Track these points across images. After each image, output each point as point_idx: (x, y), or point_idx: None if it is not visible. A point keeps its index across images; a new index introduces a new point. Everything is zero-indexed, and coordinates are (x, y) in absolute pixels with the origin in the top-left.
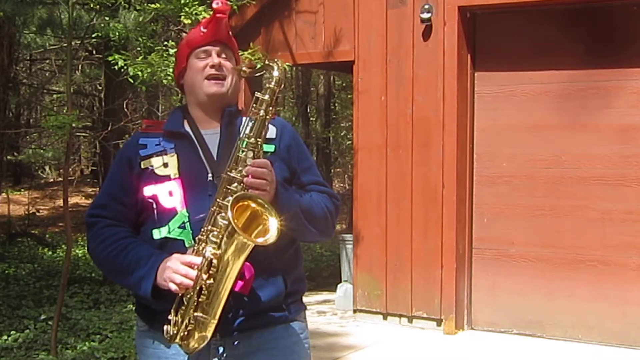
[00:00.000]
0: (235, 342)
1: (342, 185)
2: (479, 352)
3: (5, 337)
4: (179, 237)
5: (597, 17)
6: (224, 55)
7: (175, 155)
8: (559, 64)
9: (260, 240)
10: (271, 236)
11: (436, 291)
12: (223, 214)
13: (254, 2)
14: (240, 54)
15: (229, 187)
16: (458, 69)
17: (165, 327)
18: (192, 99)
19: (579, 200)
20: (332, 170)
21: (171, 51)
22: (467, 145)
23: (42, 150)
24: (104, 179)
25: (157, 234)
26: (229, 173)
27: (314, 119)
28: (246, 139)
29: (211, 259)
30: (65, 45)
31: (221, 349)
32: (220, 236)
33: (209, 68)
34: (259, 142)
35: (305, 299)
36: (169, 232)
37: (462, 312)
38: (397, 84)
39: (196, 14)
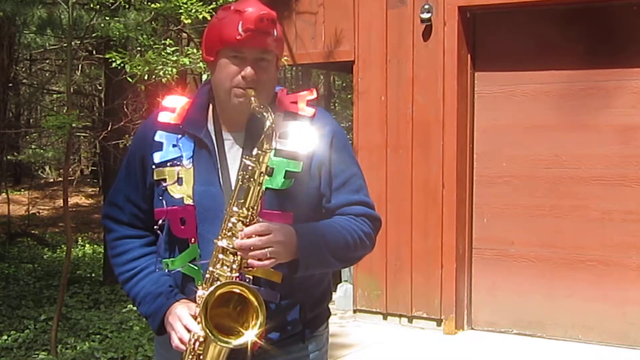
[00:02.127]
0: None
1: None
2: (479, 352)
3: (5, 337)
4: (189, 274)
5: (597, 17)
6: (262, 60)
7: (192, 168)
8: (559, 64)
9: (238, 341)
10: (244, 340)
11: (436, 291)
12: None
13: None
14: None
15: (222, 256)
16: (458, 69)
17: None
18: (218, 98)
19: (579, 200)
20: None
21: (169, 49)
22: (467, 145)
23: (42, 150)
24: (104, 179)
25: (168, 266)
26: (218, 243)
27: None
28: (236, 208)
29: (196, 340)
30: (65, 45)
31: None
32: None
33: (239, 78)
34: (251, 213)
35: None
36: (179, 267)
37: (462, 312)
38: (397, 84)
39: (196, 11)
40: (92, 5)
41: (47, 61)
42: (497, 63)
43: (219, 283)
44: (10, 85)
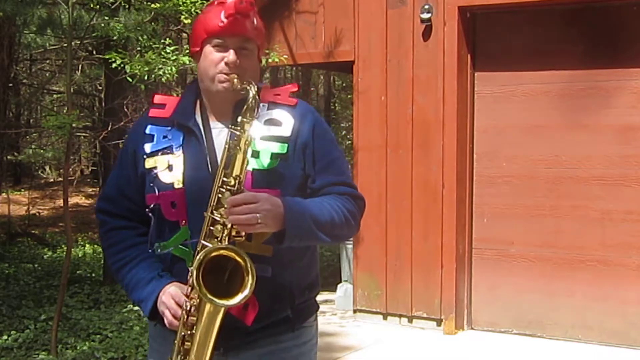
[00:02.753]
0: (239, 355)
1: None
2: (479, 352)
3: (5, 337)
4: (180, 256)
5: (597, 17)
6: (243, 49)
7: (182, 156)
8: (559, 64)
9: (230, 302)
10: (237, 300)
11: (436, 291)
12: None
13: None
14: None
15: (212, 227)
16: (458, 69)
17: None
18: (204, 86)
19: (579, 200)
20: None
21: (169, 49)
22: (467, 145)
23: (42, 150)
24: (105, 179)
25: (160, 249)
26: (210, 214)
27: None
28: (224, 178)
29: (189, 309)
30: (65, 45)
31: None
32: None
33: (223, 64)
34: (238, 182)
35: None
36: (170, 250)
37: (462, 312)
38: (397, 84)
39: (196, 11)
40: (92, 5)
41: (47, 61)
42: (497, 63)
43: (209, 247)
44: (10, 85)
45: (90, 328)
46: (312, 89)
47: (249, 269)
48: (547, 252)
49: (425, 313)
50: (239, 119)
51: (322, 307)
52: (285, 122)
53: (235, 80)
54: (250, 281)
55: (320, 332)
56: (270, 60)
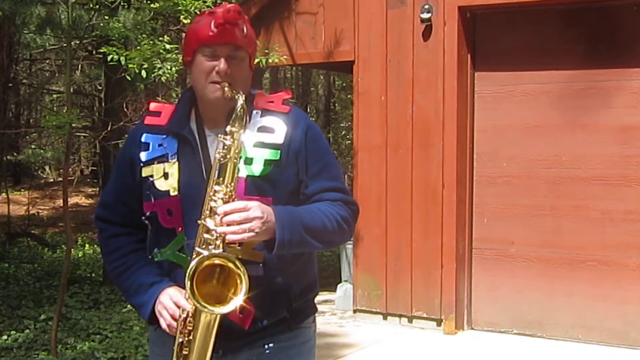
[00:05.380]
0: (237, 356)
1: None
2: (479, 352)
3: (5, 337)
4: (177, 262)
5: (597, 17)
6: (234, 58)
7: (177, 164)
8: (559, 64)
9: (224, 309)
10: (230, 307)
11: (436, 291)
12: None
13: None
14: None
15: (206, 235)
16: (458, 69)
17: None
18: (198, 94)
19: (579, 200)
20: None
21: (167, 46)
22: (467, 145)
23: (42, 150)
24: (104, 179)
25: (157, 256)
26: (204, 222)
27: (314, 119)
28: (217, 186)
29: (186, 317)
30: (65, 45)
31: None
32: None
33: (214, 73)
34: (230, 190)
35: None
36: (167, 256)
37: (462, 312)
38: (397, 84)
39: (195, 11)
40: (91, 5)
41: (47, 61)
42: (497, 63)
43: (201, 256)
44: (10, 85)
45: (90, 328)
46: (312, 89)
47: (242, 276)
48: (547, 252)
49: (425, 313)
50: (228, 128)
51: (322, 307)
52: (278, 129)
53: (226, 88)
54: (243, 288)
55: (320, 332)
56: (270, 60)
